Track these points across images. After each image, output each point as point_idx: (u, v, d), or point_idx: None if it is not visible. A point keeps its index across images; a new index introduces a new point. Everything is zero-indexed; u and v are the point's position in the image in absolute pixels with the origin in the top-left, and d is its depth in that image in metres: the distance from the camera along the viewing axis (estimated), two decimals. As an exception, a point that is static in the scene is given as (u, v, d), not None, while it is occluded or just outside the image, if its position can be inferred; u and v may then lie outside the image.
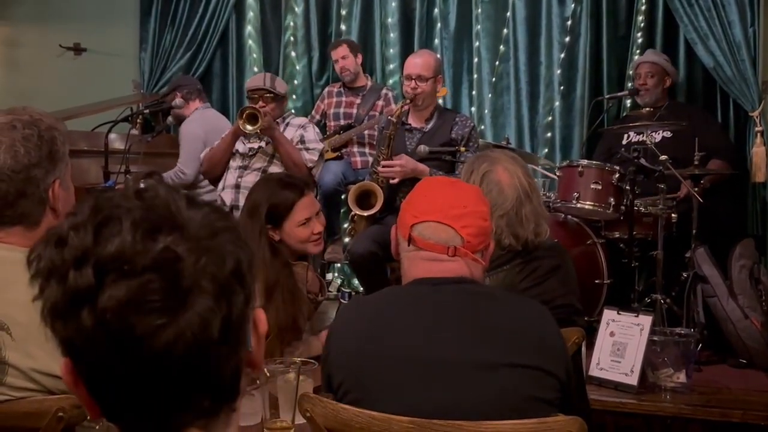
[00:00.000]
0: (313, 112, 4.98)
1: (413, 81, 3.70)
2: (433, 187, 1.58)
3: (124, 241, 0.68)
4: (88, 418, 1.35)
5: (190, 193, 0.76)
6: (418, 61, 3.76)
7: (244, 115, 3.81)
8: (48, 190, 1.49)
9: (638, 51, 4.62)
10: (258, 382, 1.63)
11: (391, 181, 3.71)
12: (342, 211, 4.63)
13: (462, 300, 1.45)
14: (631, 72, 4.56)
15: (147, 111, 4.56)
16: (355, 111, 4.77)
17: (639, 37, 4.66)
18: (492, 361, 1.37)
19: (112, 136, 4.10)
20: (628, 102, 4.69)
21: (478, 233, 1.50)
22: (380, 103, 4.73)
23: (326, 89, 4.99)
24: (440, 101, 4.07)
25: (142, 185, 0.74)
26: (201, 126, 4.39)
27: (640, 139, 3.91)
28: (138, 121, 4.70)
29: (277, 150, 3.88)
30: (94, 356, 0.70)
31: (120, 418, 0.74)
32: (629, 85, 4.59)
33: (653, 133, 3.95)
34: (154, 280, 0.67)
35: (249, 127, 3.78)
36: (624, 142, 4.17)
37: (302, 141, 3.95)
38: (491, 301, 1.48)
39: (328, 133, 4.77)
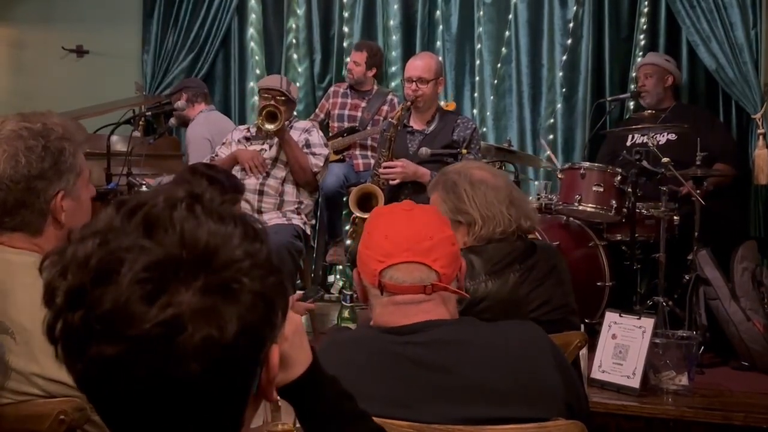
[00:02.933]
0: (317, 110, 4.95)
1: (414, 83, 3.70)
2: (392, 223, 1.44)
3: (119, 299, 0.64)
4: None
5: (222, 208, 0.71)
6: (419, 64, 3.76)
7: (264, 113, 3.77)
8: (50, 202, 1.47)
9: (640, 53, 4.61)
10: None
11: (391, 182, 3.71)
12: (344, 213, 4.63)
13: (436, 354, 1.34)
14: (634, 74, 4.55)
15: (149, 113, 4.56)
16: (359, 114, 4.75)
17: (641, 39, 4.65)
18: (476, 418, 1.29)
19: (115, 138, 4.10)
20: (631, 104, 4.68)
21: (450, 262, 1.40)
22: (385, 108, 4.72)
23: (332, 88, 4.97)
24: (442, 104, 4.07)
25: (161, 213, 0.68)
26: (207, 129, 4.42)
27: (644, 141, 3.90)
28: (140, 123, 4.70)
29: (285, 153, 3.86)
30: (82, 387, 0.71)
31: None
32: (632, 87, 4.59)
33: (658, 135, 3.92)
34: (144, 351, 0.65)
35: (269, 126, 3.76)
36: (628, 144, 4.14)
37: (308, 145, 3.93)
38: (468, 349, 1.36)
39: (331, 133, 4.77)
